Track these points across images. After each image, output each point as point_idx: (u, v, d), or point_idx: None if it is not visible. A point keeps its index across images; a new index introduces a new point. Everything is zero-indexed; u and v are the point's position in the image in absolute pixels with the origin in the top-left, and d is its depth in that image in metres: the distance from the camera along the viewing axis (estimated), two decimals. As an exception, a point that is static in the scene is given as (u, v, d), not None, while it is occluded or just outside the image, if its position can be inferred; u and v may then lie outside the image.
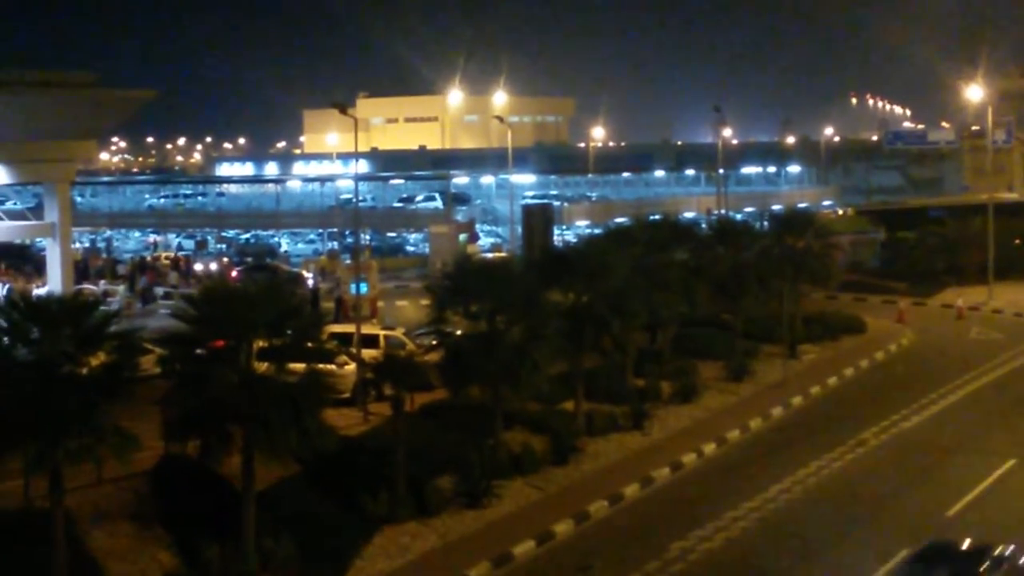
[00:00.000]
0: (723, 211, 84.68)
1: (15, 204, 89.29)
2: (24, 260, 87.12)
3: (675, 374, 49.27)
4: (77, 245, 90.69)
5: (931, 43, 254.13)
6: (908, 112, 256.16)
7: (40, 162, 64.46)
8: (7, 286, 68.53)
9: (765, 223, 64.78)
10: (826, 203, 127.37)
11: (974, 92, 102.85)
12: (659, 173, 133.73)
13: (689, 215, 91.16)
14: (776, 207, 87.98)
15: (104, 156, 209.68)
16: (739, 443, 43.33)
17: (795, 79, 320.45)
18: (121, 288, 74.78)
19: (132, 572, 28.35)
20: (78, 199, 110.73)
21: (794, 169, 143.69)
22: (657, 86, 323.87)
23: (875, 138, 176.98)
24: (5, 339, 26.00)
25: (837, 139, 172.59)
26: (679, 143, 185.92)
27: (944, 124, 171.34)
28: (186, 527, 29.88)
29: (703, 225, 66.91)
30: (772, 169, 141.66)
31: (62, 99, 64.36)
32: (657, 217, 61.33)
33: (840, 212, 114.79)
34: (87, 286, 69.97)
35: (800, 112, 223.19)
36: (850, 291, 75.39)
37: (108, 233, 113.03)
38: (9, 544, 27.58)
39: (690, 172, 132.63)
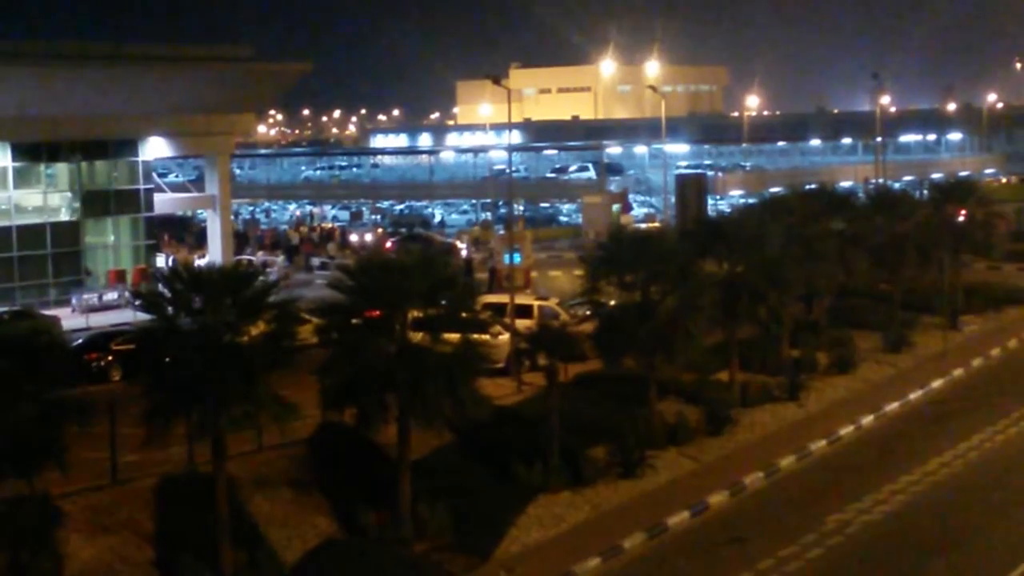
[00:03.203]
0: (881, 180, 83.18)
1: (177, 177, 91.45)
2: (186, 231, 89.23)
3: (831, 345, 48.57)
4: (236, 217, 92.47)
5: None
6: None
7: (201, 135, 66.09)
8: (170, 257, 70.23)
9: (924, 192, 63.50)
10: (989, 171, 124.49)
11: None
12: (815, 142, 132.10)
13: (846, 184, 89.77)
14: (936, 176, 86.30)
15: (262, 129, 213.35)
16: (898, 415, 42.57)
17: (957, 44, 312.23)
18: (280, 259, 76.23)
19: (291, 537, 28.87)
20: (237, 171, 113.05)
21: (955, 137, 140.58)
22: (813, 53, 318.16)
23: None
24: (169, 309, 26.62)
25: (1001, 105, 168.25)
26: (835, 111, 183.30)
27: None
28: (343, 494, 30.39)
29: (860, 194, 65.80)
30: (932, 137, 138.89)
31: (222, 73, 65.77)
32: (813, 186, 60.48)
33: (1004, 180, 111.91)
34: (246, 256, 71.38)
35: (962, 78, 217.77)
36: (1014, 261, 73.47)
37: (266, 204, 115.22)
38: (174, 508, 28.34)
39: (847, 141, 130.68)
